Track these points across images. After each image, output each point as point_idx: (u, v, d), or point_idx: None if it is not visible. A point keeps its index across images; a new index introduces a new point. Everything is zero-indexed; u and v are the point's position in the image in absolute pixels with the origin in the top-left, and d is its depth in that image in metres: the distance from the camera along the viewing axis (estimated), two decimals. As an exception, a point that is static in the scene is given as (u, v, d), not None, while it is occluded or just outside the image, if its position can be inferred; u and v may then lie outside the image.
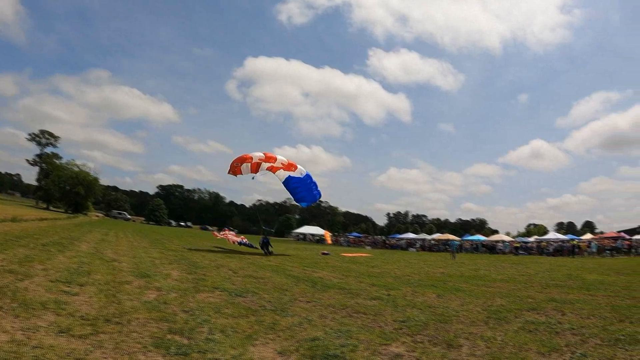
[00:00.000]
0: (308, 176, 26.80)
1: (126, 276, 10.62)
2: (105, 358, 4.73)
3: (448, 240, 64.72)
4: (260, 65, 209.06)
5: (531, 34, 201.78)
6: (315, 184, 27.57)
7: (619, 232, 65.96)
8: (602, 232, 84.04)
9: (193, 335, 5.94)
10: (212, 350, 5.33)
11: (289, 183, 26.59)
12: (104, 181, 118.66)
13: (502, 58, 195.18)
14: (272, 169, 25.57)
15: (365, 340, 6.45)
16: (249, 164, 24.54)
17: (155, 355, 4.99)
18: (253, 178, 25.72)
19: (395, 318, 8.28)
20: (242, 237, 30.57)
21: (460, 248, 60.93)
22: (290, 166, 25.78)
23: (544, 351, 6.26)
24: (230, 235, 29.51)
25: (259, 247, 25.99)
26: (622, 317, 9.10)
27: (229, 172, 24.91)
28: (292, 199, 30.04)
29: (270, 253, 25.58)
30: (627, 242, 52.08)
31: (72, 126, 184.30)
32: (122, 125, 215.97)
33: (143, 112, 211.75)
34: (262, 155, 24.62)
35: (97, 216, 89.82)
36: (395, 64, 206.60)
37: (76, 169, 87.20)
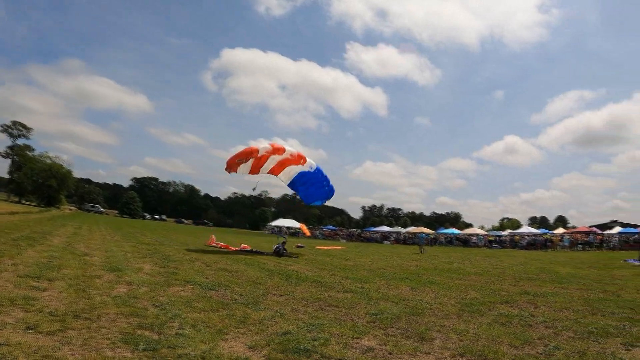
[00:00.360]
0: (319, 170, 23.03)
1: (97, 270, 10.39)
2: (73, 355, 4.58)
3: (422, 232, 65.40)
4: (236, 56, 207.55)
5: (508, 32, 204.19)
6: (327, 178, 23.65)
7: (590, 226, 67.48)
8: (574, 227, 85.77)
9: (163, 330, 5.81)
10: (182, 345, 5.21)
11: (299, 180, 22.85)
12: (78, 174, 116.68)
13: (479, 54, 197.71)
14: (277, 169, 21.99)
15: (337, 333, 6.39)
16: (251, 161, 20.69)
17: (123, 351, 4.85)
18: (254, 189, 23.27)
19: (368, 311, 8.25)
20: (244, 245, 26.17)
21: (435, 241, 61.60)
22: (299, 159, 21.93)
23: (517, 344, 6.27)
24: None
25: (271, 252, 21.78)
26: (595, 310, 9.22)
27: (226, 169, 20.74)
28: (300, 197, 25.28)
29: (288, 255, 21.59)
30: (599, 237, 53.29)
31: (45, 117, 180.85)
32: (96, 117, 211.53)
33: (118, 103, 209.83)
34: (269, 147, 20.74)
35: (70, 209, 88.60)
36: (373, 58, 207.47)
37: (49, 161, 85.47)
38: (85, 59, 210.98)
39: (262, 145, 20.91)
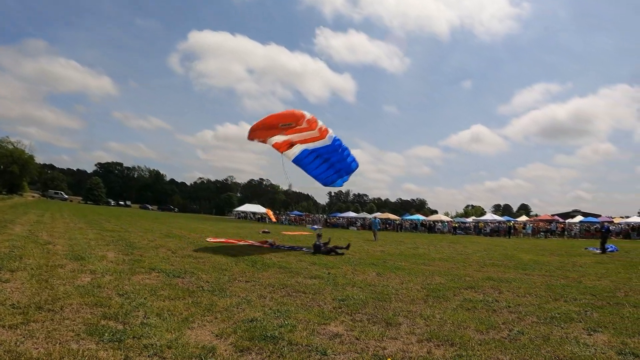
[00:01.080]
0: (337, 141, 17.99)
1: (60, 259, 10.17)
2: (36, 349, 4.45)
3: (388, 219, 65.99)
4: (204, 39, 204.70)
5: (479, 23, 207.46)
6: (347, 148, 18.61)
7: (553, 215, 69.39)
8: (536, 215, 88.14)
9: (128, 320, 5.71)
10: (147, 335, 5.12)
11: (314, 155, 18.17)
12: (40, 159, 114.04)
13: (449, 44, 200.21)
14: (288, 143, 17.53)
15: (303, 320, 6.38)
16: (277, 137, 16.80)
17: (88, 343, 4.75)
18: (290, 186, 20.04)
19: (334, 297, 8.26)
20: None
21: (400, 227, 62.33)
22: (325, 132, 17.45)
23: (482, 329, 6.36)
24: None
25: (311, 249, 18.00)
26: (557, 296, 9.43)
27: (253, 136, 16.59)
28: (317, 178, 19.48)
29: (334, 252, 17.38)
30: (561, 225, 54.85)
31: (7, 101, 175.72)
32: (59, 100, 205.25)
33: (82, 86, 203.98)
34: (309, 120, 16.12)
35: (33, 197, 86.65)
36: (343, 44, 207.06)
37: (10, 146, 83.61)
38: (48, 39, 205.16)
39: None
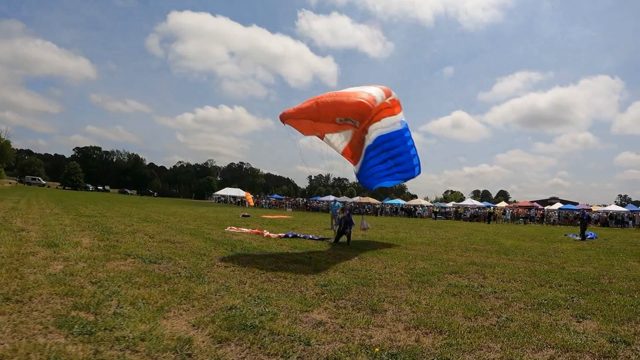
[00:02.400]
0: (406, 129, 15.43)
1: (32, 247, 9.83)
2: (1, 344, 4.16)
3: (368, 202, 66.04)
4: (184, 20, 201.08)
5: (463, 11, 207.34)
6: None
7: (532, 202, 70.35)
8: (515, 201, 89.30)
9: (100, 310, 5.41)
10: (119, 326, 4.83)
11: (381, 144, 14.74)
12: (17, 144, 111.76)
13: (432, 31, 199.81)
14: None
15: (285, 307, 6.14)
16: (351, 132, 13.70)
17: (57, 337, 4.46)
18: (329, 176, 15.86)
19: (316, 282, 8.06)
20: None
21: (381, 211, 62.46)
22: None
23: (470, 315, 6.20)
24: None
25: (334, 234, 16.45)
26: (542, 281, 9.36)
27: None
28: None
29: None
30: (540, 212, 55.60)
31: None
32: (36, 83, 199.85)
33: (59, 68, 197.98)
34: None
35: (10, 183, 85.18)
36: (325, 27, 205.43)
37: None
38: (24, 20, 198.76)
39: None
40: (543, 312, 6.60)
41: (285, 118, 12.20)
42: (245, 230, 18.22)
